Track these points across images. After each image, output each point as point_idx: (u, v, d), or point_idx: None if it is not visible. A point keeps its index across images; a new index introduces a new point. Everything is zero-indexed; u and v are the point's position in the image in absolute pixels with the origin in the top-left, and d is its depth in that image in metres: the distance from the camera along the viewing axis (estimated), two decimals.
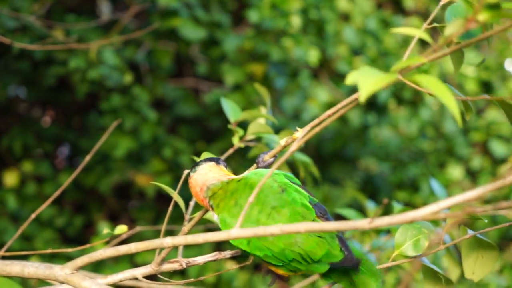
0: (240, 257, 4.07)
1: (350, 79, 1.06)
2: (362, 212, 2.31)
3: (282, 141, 1.41)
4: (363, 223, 1.11)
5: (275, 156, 1.44)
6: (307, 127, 1.37)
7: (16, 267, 1.22)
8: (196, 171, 1.35)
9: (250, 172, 1.36)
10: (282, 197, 1.30)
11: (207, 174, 1.35)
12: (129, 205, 4.24)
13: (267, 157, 1.43)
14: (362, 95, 1.02)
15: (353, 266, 1.30)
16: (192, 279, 1.40)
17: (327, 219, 1.31)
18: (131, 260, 3.65)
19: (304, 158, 1.95)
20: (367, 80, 1.04)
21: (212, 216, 1.35)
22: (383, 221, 1.11)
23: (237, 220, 1.18)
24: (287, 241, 1.26)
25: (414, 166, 4.29)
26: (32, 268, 1.22)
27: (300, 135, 1.38)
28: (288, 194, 1.30)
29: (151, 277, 1.45)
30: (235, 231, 1.17)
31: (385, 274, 3.45)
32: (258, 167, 1.41)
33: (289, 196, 1.30)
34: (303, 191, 1.34)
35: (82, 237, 3.94)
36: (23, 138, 3.85)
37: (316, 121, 1.36)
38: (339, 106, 1.31)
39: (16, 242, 3.49)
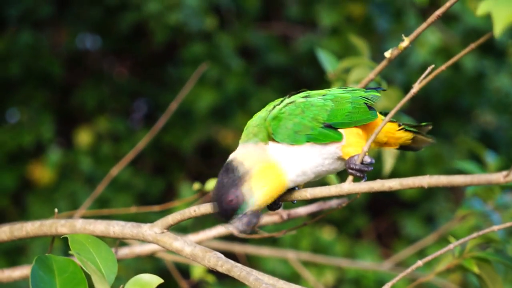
0: (339, 223, 4.03)
1: (482, 9, 1.01)
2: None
3: (387, 53, 1.38)
4: (497, 177, 1.07)
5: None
6: (414, 34, 1.34)
7: (100, 226, 1.22)
8: None
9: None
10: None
11: None
12: (213, 165, 4.25)
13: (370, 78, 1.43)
14: (498, 28, 0.97)
15: None
16: (293, 229, 1.37)
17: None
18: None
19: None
20: (503, 10, 0.98)
21: None
22: None
23: None
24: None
25: None
26: (118, 227, 1.22)
27: (408, 44, 1.34)
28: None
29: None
30: (347, 186, 1.15)
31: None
32: None
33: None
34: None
35: (162, 200, 3.98)
36: (96, 92, 3.90)
37: (424, 25, 1.32)
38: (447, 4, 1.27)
39: (90, 206, 3.55)
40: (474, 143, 2.47)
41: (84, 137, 3.92)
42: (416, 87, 1.16)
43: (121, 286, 0.99)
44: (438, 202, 3.97)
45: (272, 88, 3.90)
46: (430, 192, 3.93)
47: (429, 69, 1.17)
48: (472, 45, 1.16)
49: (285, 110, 1.25)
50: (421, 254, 3.53)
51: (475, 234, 1.39)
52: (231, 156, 1.22)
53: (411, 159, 3.68)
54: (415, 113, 3.83)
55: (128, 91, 4.09)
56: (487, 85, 4.00)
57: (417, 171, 3.69)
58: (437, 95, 3.90)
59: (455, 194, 4.06)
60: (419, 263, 1.33)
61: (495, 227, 1.39)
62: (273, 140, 1.22)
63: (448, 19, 3.80)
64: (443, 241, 3.49)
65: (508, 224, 1.39)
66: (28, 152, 3.85)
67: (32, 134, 3.75)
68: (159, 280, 1.01)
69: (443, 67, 1.15)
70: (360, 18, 3.61)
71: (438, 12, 1.30)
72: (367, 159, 1.20)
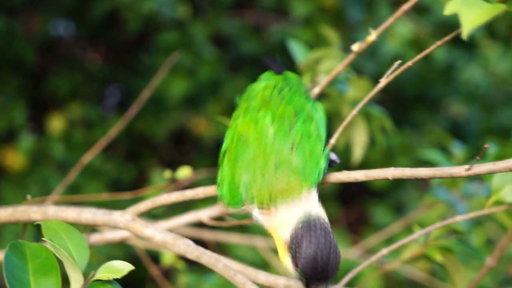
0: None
1: (450, 9, 1.02)
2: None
3: (354, 47, 1.40)
4: (459, 171, 1.10)
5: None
6: (381, 28, 1.37)
7: (72, 213, 1.24)
8: None
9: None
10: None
11: None
12: (185, 152, 4.26)
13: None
14: (465, 30, 0.98)
15: None
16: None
17: None
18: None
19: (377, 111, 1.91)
20: (470, 12, 0.99)
21: None
22: (483, 168, 1.09)
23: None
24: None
25: (508, 110, 4.17)
26: (89, 214, 1.24)
27: (375, 38, 1.37)
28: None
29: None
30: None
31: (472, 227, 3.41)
32: None
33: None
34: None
35: (134, 187, 3.98)
36: (69, 78, 3.89)
37: (391, 19, 1.35)
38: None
39: (62, 192, 3.55)
40: (441, 133, 2.49)
41: (56, 123, 3.91)
42: (383, 82, 1.19)
43: (92, 272, 1.01)
44: (407, 190, 4.01)
45: (245, 76, 3.91)
46: (399, 181, 3.96)
47: (395, 64, 1.19)
48: (439, 43, 1.19)
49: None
50: (390, 241, 3.58)
51: (438, 224, 1.42)
52: (315, 214, 1.09)
53: (380, 149, 3.72)
54: (387, 103, 3.86)
55: (100, 77, 4.08)
56: (457, 76, 4.03)
57: (387, 160, 3.72)
58: (408, 86, 3.93)
59: (423, 181, 4.10)
60: (384, 251, 1.37)
61: (458, 218, 1.43)
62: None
63: (419, 10, 3.82)
64: (411, 229, 3.54)
65: (470, 215, 1.42)
66: (0, 137, 3.84)
67: (4, 119, 3.73)
68: (130, 267, 1.02)
69: (409, 63, 1.18)
70: (332, 8, 3.63)
71: (405, 7, 1.33)
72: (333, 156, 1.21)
